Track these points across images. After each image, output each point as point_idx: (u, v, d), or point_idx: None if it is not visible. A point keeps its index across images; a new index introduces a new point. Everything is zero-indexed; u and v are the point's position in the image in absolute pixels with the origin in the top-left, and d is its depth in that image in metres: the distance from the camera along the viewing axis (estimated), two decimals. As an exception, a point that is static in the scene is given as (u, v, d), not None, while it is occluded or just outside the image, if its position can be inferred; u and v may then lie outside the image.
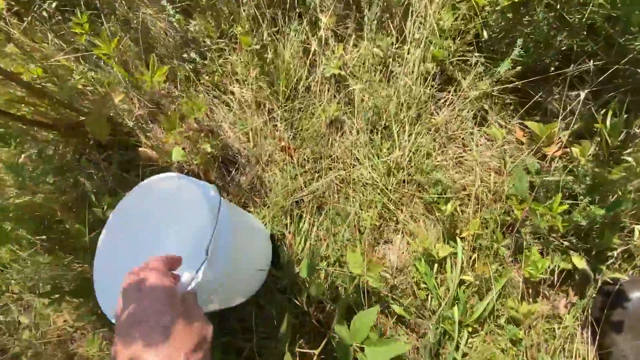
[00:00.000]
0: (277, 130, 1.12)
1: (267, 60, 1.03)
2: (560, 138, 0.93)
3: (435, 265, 1.00)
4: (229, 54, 1.11)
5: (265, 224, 1.10)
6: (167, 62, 1.10)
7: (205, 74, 1.11)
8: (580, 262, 0.92)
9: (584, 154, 0.85)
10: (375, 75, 1.06)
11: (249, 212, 1.12)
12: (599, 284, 0.95)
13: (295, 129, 1.10)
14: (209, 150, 0.95)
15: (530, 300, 0.99)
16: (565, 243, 0.96)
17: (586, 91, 0.79)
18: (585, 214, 0.81)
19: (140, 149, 1.05)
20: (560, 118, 0.84)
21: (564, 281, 1.00)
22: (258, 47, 1.00)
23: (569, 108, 0.88)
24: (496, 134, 0.92)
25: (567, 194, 0.95)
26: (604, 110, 0.89)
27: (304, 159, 1.10)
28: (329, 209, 1.07)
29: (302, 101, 1.08)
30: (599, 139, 0.88)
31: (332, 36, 1.11)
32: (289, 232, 1.07)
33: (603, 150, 0.86)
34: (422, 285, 0.99)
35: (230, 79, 1.11)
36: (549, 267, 0.93)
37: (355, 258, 0.84)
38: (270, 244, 1.04)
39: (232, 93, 1.11)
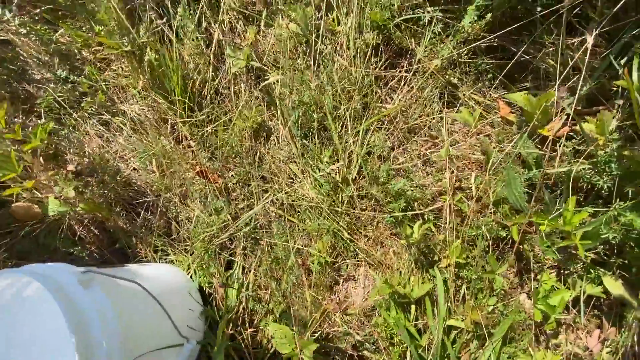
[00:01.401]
0: (191, 152, 0.86)
1: (153, 64, 0.77)
2: (564, 110, 0.64)
3: (413, 308, 0.73)
4: (115, 65, 0.85)
5: (191, 276, 0.85)
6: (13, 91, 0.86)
7: (86, 94, 0.86)
8: (615, 286, 0.63)
9: (603, 130, 0.55)
10: (299, 60, 0.78)
11: (169, 261, 0.87)
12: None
13: (211, 147, 0.84)
14: (72, 195, 0.70)
15: (549, 341, 0.71)
16: (592, 256, 0.67)
17: (595, 33, 0.49)
18: (617, 227, 0.52)
19: (14, 205, 0.82)
20: (558, 81, 0.54)
21: (594, 306, 0.72)
22: (128, 48, 0.74)
23: (570, 63, 0.58)
24: (466, 117, 0.63)
25: (585, 191, 0.66)
26: (624, 59, 0.59)
27: (230, 185, 0.84)
28: (267, 247, 0.81)
29: (212, 110, 0.82)
30: (622, 104, 0.58)
31: (240, 19, 0.84)
32: (218, 284, 0.82)
33: (633, 119, 0.56)
34: (397, 339, 0.72)
35: (118, 95, 0.85)
36: (570, 298, 0.65)
37: (281, 331, 0.59)
38: (198, 303, 0.79)
39: (124, 113, 0.85)
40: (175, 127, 0.84)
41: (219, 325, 0.68)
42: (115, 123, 0.86)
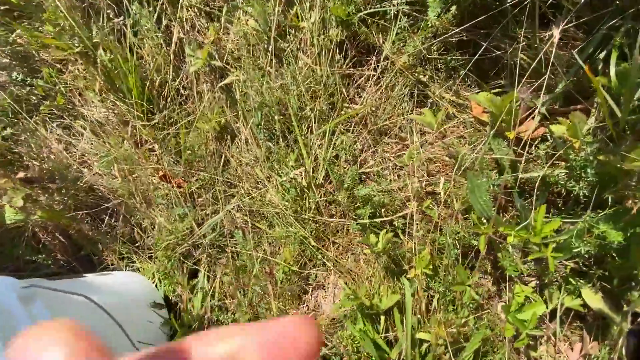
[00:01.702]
0: (154, 156, 0.83)
1: (107, 66, 0.73)
2: (538, 109, 0.59)
3: (382, 319, 0.69)
4: (72, 67, 0.82)
5: (156, 284, 0.82)
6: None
7: (46, 97, 0.83)
8: (594, 299, 0.58)
9: (576, 132, 0.50)
10: (261, 59, 0.74)
11: (135, 269, 0.84)
12: (629, 320, 0.62)
13: (174, 150, 0.81)
14: (20, 204, 0.67)
15: (528, 354, 0.66)
16: (571, 265, 0.62)
17: (563, 23, 0.44)
18: (590, 240, 0.47)
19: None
20: (525, 76, 0.49)
21: (575, 317, 0.67)
22: (79, 49, 0.70)
23: (537, 57, 0.53)
24: (428, 119, 0.59)
25: (564, 197, 0.61)
26: (603, 53, 0.53)
27: (194, 190, 0.81)
28: (232, 255, 0.78)
29: (172, 112, 0.78)
30: (601, 103, 0.53)
31: (201, 15, 0.79)
32: (184, 294, 0.79)
33: (610, 121, 0.51)
34: (366, 352, 0.68)
35: (78, 98, 0.82)
36: (547, 311, 0.61)
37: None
38: (159, 314, 0.76)
39: (84, 117, 0.82)
40: (137, 129, 0.81)
41: (175, 337, 0.65)
42: (76, 127, 0.83)
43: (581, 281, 0.60)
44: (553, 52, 0.45)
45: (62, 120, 0.83)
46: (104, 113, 0.80)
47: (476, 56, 0.57)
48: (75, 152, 0.83)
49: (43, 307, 0.56)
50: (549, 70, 0.46)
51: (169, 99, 0.78)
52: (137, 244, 0.84)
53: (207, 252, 0.78)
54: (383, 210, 0.69)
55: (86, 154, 0.83)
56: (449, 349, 0.61)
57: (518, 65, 0.54)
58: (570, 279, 0.61)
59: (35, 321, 0.53)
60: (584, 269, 0.59)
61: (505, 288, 0.69)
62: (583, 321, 0.69)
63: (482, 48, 0.59)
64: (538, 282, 0.69)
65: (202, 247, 0.78)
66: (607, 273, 0.57)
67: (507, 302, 0.68)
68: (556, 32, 0.42)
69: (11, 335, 0.49)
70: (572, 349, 0.68)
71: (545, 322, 0.68)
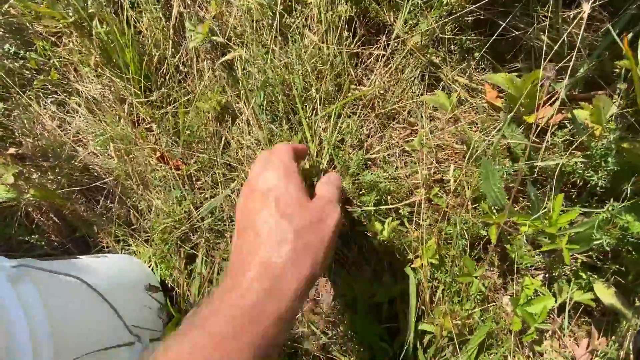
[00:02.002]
0: (152, 136, 0.80)
1: (103, 39, 0.70)
2: (557, 93, 0.56)
3: (384, 309, 0.67)
4: (66, 39, 0.78)
5: (152, 268, 0.80)
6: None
7: (39, 72, 0.80)
8: (606, 294, 0.56)
9: (599, 118, 0.48)
10: (265, 35, 0.71)
11: (131, 252, 0.82)
12: (642, 316, 0.60)
13: (172, 130, 0.78)
14: (11, 181, 0.64)
15: (532, 348, 0.64)
16: (582, 259, 0.60)
17: (591, 1, 0.41)
18: (614, 231, 0.45)
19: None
20: (547, 59, 0.46)
21: (582, 312, 0.65)
22: (73, 19, 0.66)
23: (561, 38, 0.50)
24: (441, 100, 0.55)
25: (578, 188, 0.59)
26: (630, 34, 0.50)
27: (193, 173, 0.78)
28: (231, 239, 0.75)
29: (171, 89, 0.75)
30: (625, 88, 0.50)
31: (203, -13, 0.75)
32: (181, 279, 0.77)
33: (636, 106, 0.48)
34: (367, 342, 0.66)
35: (73, 73, 0.79)
36: (556, 305, 0.59)
37: None
38: (156, 299, 0.74)
39: (79, 93, 0.79)
40: (134, 107, 0.77)
41: (169, 324, 0.63)
42: (70, 104, 0.79)
43: (593, 275, 0.58)
44: (581, 30, 0.42)
45: (56, 96, 0.80)
46: (100, 89, 0.77)
47: (494, 36, 0.53)
48: (69, 130, 0.80)
49: (33, 287, 0.54)
50: (574, 51, 0.43)
51: (167, 76, 0.75)
52: (133, 227, 0.81)
53: (205, 237, 0.76)
54: (389, 197, 0.66)
55: (81, 132, 0.80)
56: (454, 340, 0.59)
57: (541, 47, 0.51)
58: (582, 273, 0.59)
59: (23, 302, 0.51)
60: (598, 263, 0.56)
61: (512, 281, 0.67)
62: (590, 316, 0.67)
63: (500, 28, 0.55)
64: (546, 275, 0.67)
65: (200, 231, 0.76)
66: (622, 268, 0.55)
67: (513, 295, 0.66)
68: (586, 7, 0.39)
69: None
70: (577, 345, 0.66)
71: (552, 316, 0.66)
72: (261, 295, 0.33)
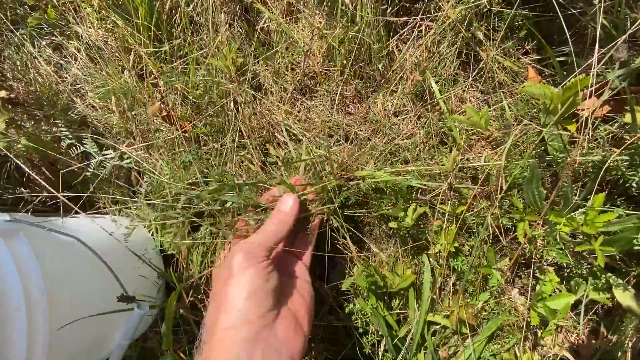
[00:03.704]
0: (158, 93, 0.73)
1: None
2: (608, 84, 0.52)
3: (396, 301, 0.65)
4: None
5: (153, 234, 0.76)
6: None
7: (34, 8, 0.71)
8: (625, 297, 0.55)
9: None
10: (293, -9, 0.64)
11: (130, 215, 0.78)
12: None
13: (182, 88, 0.71)
14: (2, 127, 0.59)
15: (535, 341, 0.64)
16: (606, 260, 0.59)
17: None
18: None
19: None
20: (595, 49, 0.42)
21: (591, 309, 0.65)
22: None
23: (630, 29, 0.46)
24: (472, 120, 0.50)
25: (610, 187, 0.56)
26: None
27: (202, 137, 0.73)
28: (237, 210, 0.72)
29: (183, 41, 0.68)
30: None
31: None
32: (183, 247, 0.73)
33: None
34: (372, 327, 0.65)
35: (73, 14, 0.70)
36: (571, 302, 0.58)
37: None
38: (155, 266, 0.71)
39: (78, 37, 0.71)
40: (140, 59, 0.70)
41: (171, 295, 0.60)
42: (69, 48, 0.72)
43: (613, 277, 0.56)
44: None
45: (52, 38, 0.72)
46: (103, 35, 0.69)
47: (557, 15, 0.48)
48: (67, 78, 0.73)
49: (27, 244, 0.50)
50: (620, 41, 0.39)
51: (180, 27, 0.68)
52: (133, 189, 0.76)
53: (211, 205, 0.72)
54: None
55: (79, 82, 0.73)
56: (465, 331, 0.58)
57: (594, 32, 0.47)
58: (601, 274, 0.58)
59: (16, 258, 0.47)
60: (622, 265, 0.55)
61: (524, 275, 0.66)
62: (596, 314, 0.67)
63: (558, 9, 0.50)
64: (555, 272, 0.66)
65: (205, 198, 0.72)
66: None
67: (522, 288, 0.65)
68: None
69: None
70: (582, 341, 0.67)
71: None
72: None
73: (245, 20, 0.71)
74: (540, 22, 0.54)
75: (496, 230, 0.57)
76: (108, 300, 0.59)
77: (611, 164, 0.51)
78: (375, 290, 0.60)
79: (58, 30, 0.72)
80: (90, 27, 0.70)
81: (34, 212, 0.77)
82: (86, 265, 0.57)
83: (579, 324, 0.58)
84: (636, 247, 0.44)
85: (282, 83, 0.66)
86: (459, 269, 0.60)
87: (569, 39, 0.53)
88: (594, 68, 0.40)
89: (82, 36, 0.70)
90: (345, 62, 0.63)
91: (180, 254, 0.74)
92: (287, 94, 0.67)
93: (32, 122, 0.68)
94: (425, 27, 0.62)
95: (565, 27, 0.56)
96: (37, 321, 0.46)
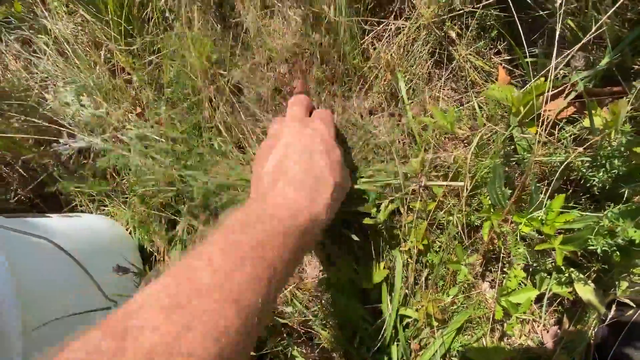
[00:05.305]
0: (132, 89, 0.72)
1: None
2: (574, 85, 0.53)
3: (371, 289, 0.67)
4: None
5: (130, 232, 0.76)
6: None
7: (1, 1, 0.69)
8: (585, 291, 0.58)
9: (617, 122, 0.46)
10: (266, -13, 0.63)
11: (107, 213, 0.78)
12: (613, 309, 0.63)
13: (157, 84, 0.70)
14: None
15: (502, 332, 0.67)
16: (566, 253, 0.61)
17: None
18: (611, 241, 0.45)
19: None
20: (553, 54, 0.43)
21: (555, 300, 0.68)
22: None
23: (587, 36, 0.47)
24: (439, 122, 0.51)
25: (573, 185, 0.58)
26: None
27: (177, 134, 0.72)
28: (218, 204, 0.72)
29: (155, 36, 0.67)
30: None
31: None
32: (161, 245, 0.74)
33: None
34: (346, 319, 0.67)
35: (41, 7, 0.68)
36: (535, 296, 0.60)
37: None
38: (133, 264, 0.71)
39: (47, 31, 0.69)
40: (112, 54, 0.69)
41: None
42: (37, 43, 0.70)
43: (575, 272, 0.59)
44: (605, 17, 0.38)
45: (20, 32, 0.70)
46: (72, 28, 0.67)
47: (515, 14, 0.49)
48: (36, 74, 0.71)
49: (-3, 246, 0.50)
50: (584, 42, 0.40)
51: (151, 23, 0.67)
52: (109, 186, 0.76)
53: (188, 204, 0.72)
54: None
55: (49, 77, 0.71)
56: (435, 324, 0.60)
57: (563, 34, 0.47)
58: (563, 269, 0.60)
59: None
60: (583, 260, 0.57)
61: (493, 270, 0.68)
62: (561, 306, 0.70)
63: (529, 10, 0.51)
64: (524, 267, 0.68)
65: (183, 197, 0.72)
66: (605, 266, 0.56)
67: (493, 281, 0.67)
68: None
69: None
70: (547, 331, 0.70)
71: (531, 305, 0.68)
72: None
73: (220, 15, 0.69)
74: (511, 23, 0.54)
75: (464, 227, 0.59)
76: (87, 300, 0.59)
77: (575, 164, 0.52)
78: (347, 283, 0.62)
79: (26, 24, 0.70)
80: (58, 20, 0.68)
81: (10, 211, 0.76)
82: (63, 267, 0.58)
83: (540, 317, 0.60)
84: (590, 247, 0.46)
85: (256, 87, 0.66)
86: (430, 264, 0.62)
87: (537, 41, 0.54)
88: (551, 73, 0.41)
89: (50, 30, 0.68)
90: (323, 66, 0.63)
91: (158, 250, 0.74)
92: (265, 94, 0.67)
93: (1, 119, 0.66)
94: (398, 27, 0.62)
95: (534, 29, 0.57)
96: (9, 318, 0.46)
